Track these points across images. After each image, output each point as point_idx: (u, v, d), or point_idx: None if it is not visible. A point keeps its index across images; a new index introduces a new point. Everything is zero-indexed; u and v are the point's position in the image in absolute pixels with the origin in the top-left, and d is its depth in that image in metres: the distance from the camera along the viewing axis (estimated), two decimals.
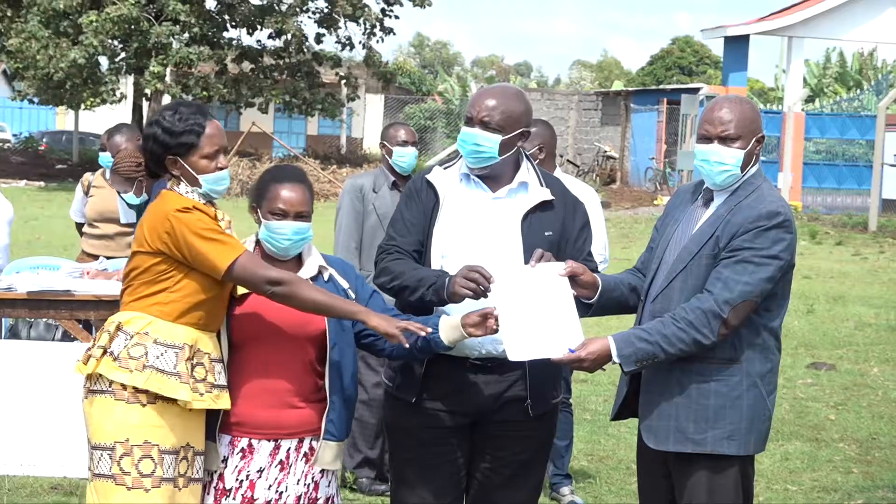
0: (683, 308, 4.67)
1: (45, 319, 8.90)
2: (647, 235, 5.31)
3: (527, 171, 5.11)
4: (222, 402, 4.76)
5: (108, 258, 9.12)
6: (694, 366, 4.73)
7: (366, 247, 7.83)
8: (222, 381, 4.79)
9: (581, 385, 10.86)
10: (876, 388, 11.67)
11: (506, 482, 5.16)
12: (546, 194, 5.07)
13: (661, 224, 5.06)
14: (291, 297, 4.69)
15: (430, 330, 4.70)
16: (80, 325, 8.56)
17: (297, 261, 4.97)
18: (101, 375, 4.70)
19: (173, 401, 4.69)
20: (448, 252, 4.96)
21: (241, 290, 4.86)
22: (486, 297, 4.73)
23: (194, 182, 4.81)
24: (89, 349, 4.77)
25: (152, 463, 4.67)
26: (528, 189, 5.08)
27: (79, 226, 9.93)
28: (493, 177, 5.06)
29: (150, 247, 4.74)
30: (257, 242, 4.98)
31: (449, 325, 4.78)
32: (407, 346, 4.68)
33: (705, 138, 4.83)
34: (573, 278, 4.81)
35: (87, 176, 9.84)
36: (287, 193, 4.87)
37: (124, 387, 4.68)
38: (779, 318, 4.82)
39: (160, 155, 4.83)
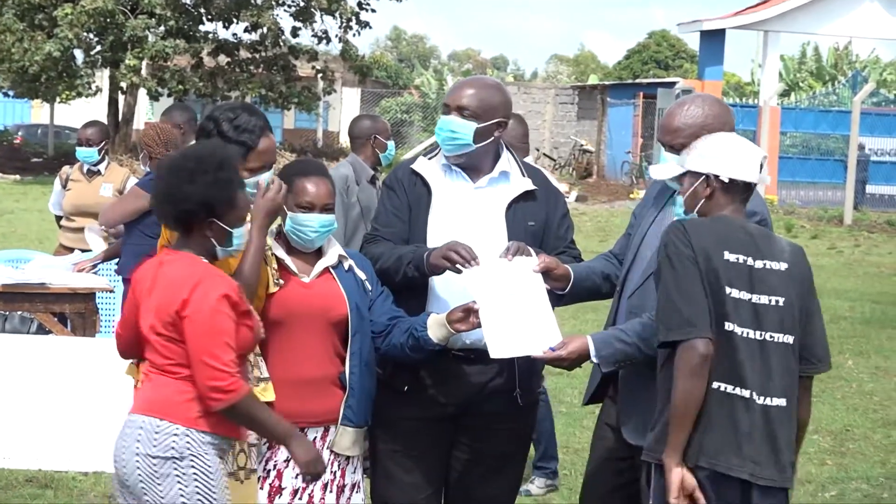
0: None
1: (19, 312, 8.89)
2: (623, 229, 5.32)
3: (507, 162, 5.13)
4: (268, 394, 4.75)
5: (83, 251, 9.11)
6: None
7: (348, 238, 7.78)
8: (266, 373, 4.80)
9: (556, 378, 10.87)
10: (850, 381, 11.74)
11: (486, 474, 5.17)
12: (528, 184, 5.10)
13: (640, 210, 5.07)
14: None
15: None
16: (55, 319, 8.55)
17: (318, 251, 5.01)
18: None
19: None
20: (436, 242, 4.96)
21: (272, 289, 4.88)
22: (469, 266, 4.74)
23: None
24: None
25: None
26: (510, 179, 5.10)
27: (58, 218, 9.92)
28: (472, 167, 5.07)
29: None
30: (278, 234, 5.02)
31: (436, 322, 4.81)
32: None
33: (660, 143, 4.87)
34: (546, 273, 4.83)
35: (66, 169, 9.83)
36: (313, 187, 4.93)
37: None
38: None
39: None
